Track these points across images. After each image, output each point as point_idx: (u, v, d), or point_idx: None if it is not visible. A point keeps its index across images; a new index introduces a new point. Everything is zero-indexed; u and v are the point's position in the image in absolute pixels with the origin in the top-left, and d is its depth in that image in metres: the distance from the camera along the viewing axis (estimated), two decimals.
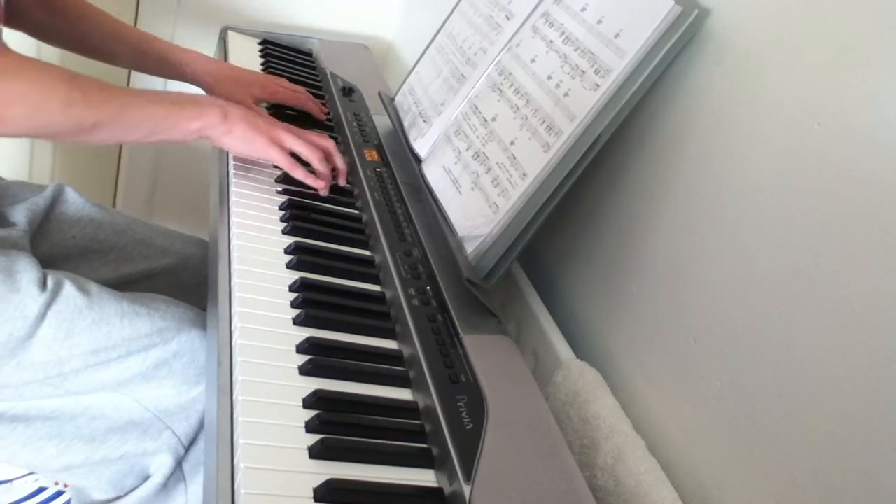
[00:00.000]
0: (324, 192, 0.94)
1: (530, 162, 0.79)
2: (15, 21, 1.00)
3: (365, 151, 1.05)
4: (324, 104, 1.19)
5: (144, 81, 1.38)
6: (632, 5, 0.76)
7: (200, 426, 0.81)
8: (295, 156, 0.91)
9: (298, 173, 0.90)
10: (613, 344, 0.84)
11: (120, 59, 1.07)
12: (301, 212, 0.90)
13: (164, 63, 1.06)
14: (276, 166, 0.96)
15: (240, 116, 0.85)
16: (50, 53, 1.11)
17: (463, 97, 0.96)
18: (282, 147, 0.88)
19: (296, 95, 1.12)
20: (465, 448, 0.62)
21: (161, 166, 1.69)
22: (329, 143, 0.95)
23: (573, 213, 0.93)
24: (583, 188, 0.89)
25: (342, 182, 0.97)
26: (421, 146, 1.00)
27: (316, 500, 0.57)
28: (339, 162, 0.96)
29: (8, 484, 0.93)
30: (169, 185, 1.71)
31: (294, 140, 0.90)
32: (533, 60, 0.86)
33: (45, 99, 0.71)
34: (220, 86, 1.06)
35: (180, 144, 0.84)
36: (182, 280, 1.03)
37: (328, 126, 1.14)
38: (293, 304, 0.75)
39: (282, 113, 1.09)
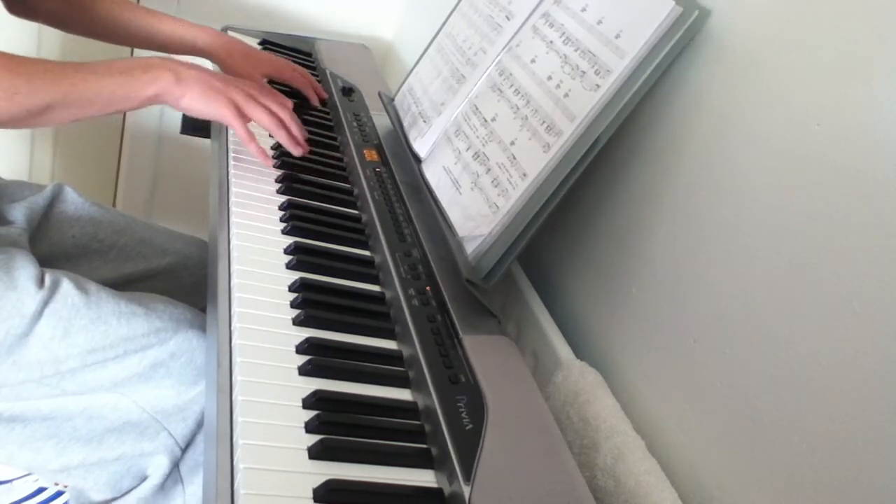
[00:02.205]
0: (297, 152, 0.94)
1: (530, 162, 0.79)
2: (29, 12, 1.01)
3: (365, 151, 1.05)
4: (324, 103, 1.19)
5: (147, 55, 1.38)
6: (632, 6, 0.76)
7: (198, 427, 0.81)
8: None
9: (252, 147, 0.90)
10: (613, 344, 0.83)
11: (133, 40, 1.09)
12: (301, 212, 0.89)
13: (176, 40, 1.07)
14: (275, 166, 0.96)
15: (194, 78, 0.84)
16: (52, 36, 1.11)
17: (463, 97, 0.96)
18: (239, 110, 0.87)
19: (301, 79, 1.15)
20: (464, 448, 0.62)
21: (161, 166, 1.69)
22: (285, 113, 0.93)
23: (573, 214, 0.92)
24: (583, 188, 0.89)
25: (302, 152, 0.95)
26: (421, 146, 1.00)
27: (315, 501, 0.56)
28: (296, 130, 0.94)
29: (8, 484, 0.92)
30: (169, 185, 1.71)
31: (252, 105, 0.88)
32: (533, 61, 0.86)
33: None
34: (232, 60, 1.08)
35: (135, 110, 0.83)
36: (181, 280, 1.03)
37: (328, 126, 1.14)
38: (293, 305, 0.75)
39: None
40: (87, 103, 0.77)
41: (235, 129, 0.88)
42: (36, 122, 0.75)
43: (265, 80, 1.10)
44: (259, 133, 0.96)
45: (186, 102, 0.83)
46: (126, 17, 1.05)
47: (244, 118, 0.88)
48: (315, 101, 1.17)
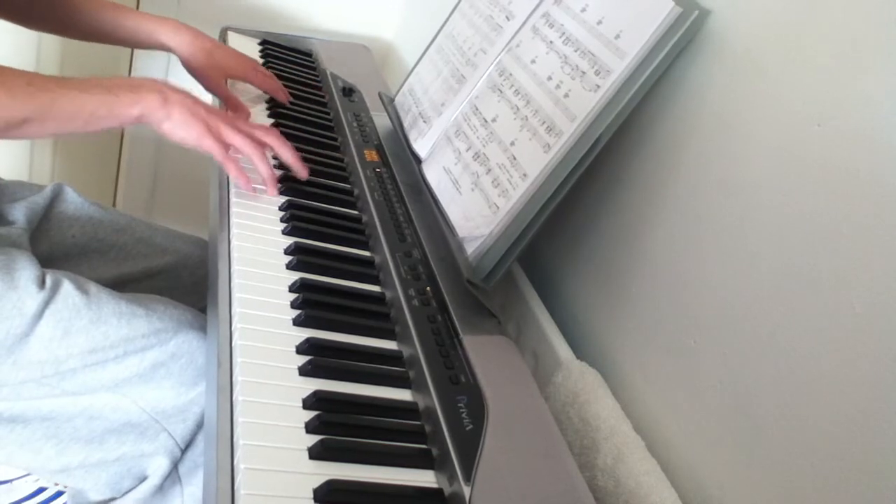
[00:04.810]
0: (271, 192, 0.90)
1: (531, 162, 0.79)
2: None
3: (365, 152, 1.05)
4: (324, 104, 1.19)
5: (148, 59, 1.38)
6: (632, 6, 0.76)
7: (197, 428, 0.81)
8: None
9: (231, 168, 0.86)
10: (613, 344, 0.84)
11: (97, 35, 1.05)
12: (301, 212, 0.89)
13: (141, 34, 1.04)
14: (277, 166, 0.96)
15: (179, 101, 0.82)
16: (52, 41, 1.11)
17: (463, 98, 0.96)
18: (219, 138, 0.84)
19: (265, 80, 1.12)
20: (465, 449, 0.62)
21: (161, 166, 1.69)
22: (271, 138, 0.90)
23: (573, 214, 0.92)
24: (583, 189, 0.89)
25: (303, 175, 0.93)
26: (421, 147, 1.00)
27: (316, 501, 0.57)
28: (288, 155, 0.91)
29: (8, 484, 0.92)
30: (169, 185, 1.71)
31: (232, 133, 0.86)
32: (533, 61, 0.86)
33: None
34: (195, 59, 1.04)
35: (118, 128, 0.80)
36: (182, 279, 1.03)
37: (328, 126, 1.14)
38: (293, 305, 0.75)
39: None
40: (67, 119, 0.75)
41: (214, 153, 0.84)
42: (13, 135, 0.73)
43: (228, 82, 1.06)
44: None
45: (167, 126, 0.81)
46: (88, 12, 1.02)
47: (226, 146, 0.85)
48: (284, 101, 1.13)
